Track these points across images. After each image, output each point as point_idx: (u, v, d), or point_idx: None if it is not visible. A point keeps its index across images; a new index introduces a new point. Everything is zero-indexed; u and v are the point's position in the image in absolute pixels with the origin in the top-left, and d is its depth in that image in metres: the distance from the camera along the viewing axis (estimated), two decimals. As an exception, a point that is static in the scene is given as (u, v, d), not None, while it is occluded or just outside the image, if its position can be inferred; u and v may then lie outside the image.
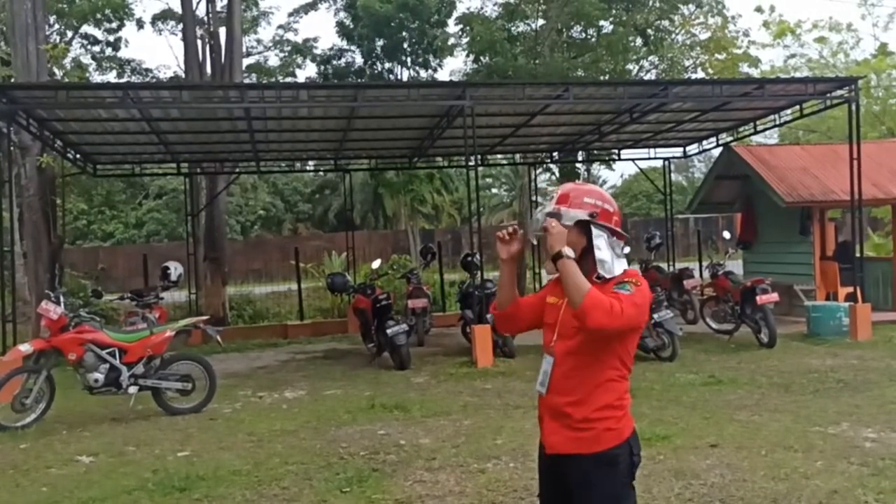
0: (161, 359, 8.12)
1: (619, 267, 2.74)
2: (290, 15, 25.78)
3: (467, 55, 20.20)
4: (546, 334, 2.86)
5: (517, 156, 18.81)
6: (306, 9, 24.44)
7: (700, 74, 20.88)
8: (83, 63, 22.83)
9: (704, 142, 16.23)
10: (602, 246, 2.72)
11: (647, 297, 2.69)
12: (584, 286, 2.55)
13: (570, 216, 2.72)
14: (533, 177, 18.86)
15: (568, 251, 2.60)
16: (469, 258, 12.28)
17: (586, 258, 2.73)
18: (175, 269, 12.74)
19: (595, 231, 2.73)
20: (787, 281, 13.31)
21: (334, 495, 5.20)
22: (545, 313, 2.88)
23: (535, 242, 2.93)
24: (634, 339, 2.75)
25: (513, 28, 19.88)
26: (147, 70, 24.46)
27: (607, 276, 2.71)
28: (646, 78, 19.45)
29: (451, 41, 22.18)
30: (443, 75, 23.93)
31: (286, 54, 25.60)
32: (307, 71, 26.16)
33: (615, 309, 2.52)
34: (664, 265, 15.77)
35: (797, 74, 22.96)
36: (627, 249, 13.26)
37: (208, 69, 17.05)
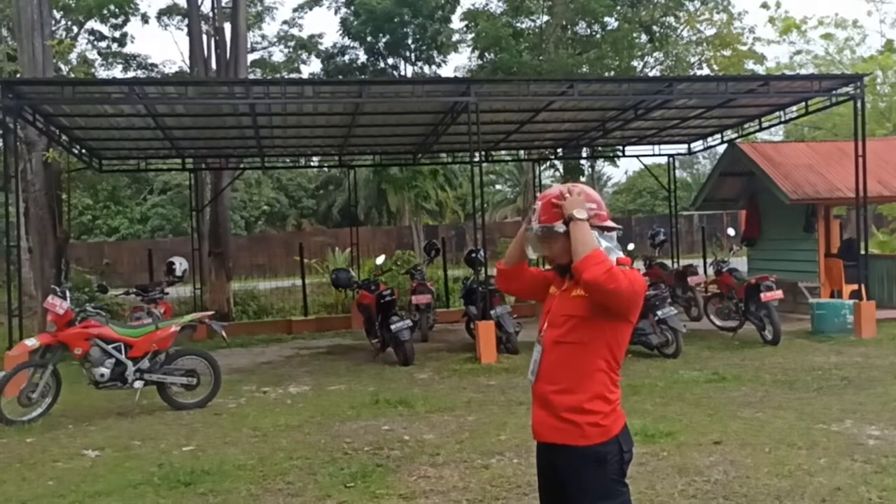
0: (166, 354, 8.15)
1: (614, 255, 2.78)
2: (295, 11, 25.79)
3: (472, 51, 20.22)
4: (540, 323, 2.93)
5: (521, 152, 18.79)
6: (310, 5, 24.43)
7: (705, 71, 20.85)
8: (89, 58, 22.87)
9: (709, 138, 16.19)
10: None
11: (641, 284, 2.71)
12: (592, 244, 2.64)
13: (561, 226, 2.77)
14: (537, 173, 18.85)
15: (579, 213, 2.68)
16: (473, 254, 12.28)
17: None
18: (180, 264, 12.78)
19: None
20: (792, 278, 13.29)
21: (338, 490, 5.22)
22: (545, 302, 2.95)
23: (533, 257, 2.99)
24: (626, 332, 2.77)
25: (518, 24, 19.87)
26: (152, 65, 24.51)
27: None
28: (651, 74, 19.43)
29: (456, 37, 22.17)
30: (447, 71, 23.93)
31: (291, 50, 25.62)
32: (312, 66, 26.22)
33: (614, 270, 2.58)
34: (668, 262, 15.76)
35: (803, 71, 22.91)
36: (631, 246, 13.41)
37: (213, 65, 17.08)
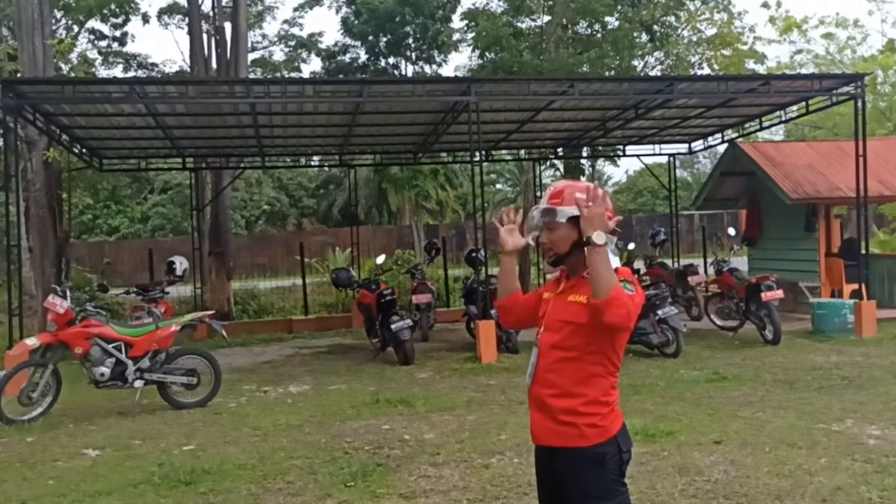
0: (166, 353, 8.15)
1: (612, 262, 2.74)
2: (296, 10, 25.81)
3: (472, 51, 20.18)
4: (537, 326, 2.91)
5: (522, 151, 18.79)
6: (311, 4, 24.44)
7: (706, 70, 20.81)
8: (89, 58, 22.88)
9: (710, 138, 16.19)
10: None
11: (642, 300, 2.71)
12: (613, 280, 2.50)
13: (564, 213, 2.74)
14: (537, 173, 18.84)
15: (598, 238, 2.49)
16: (473, 254, 12.29)
17: (577, 253, 2.75)
18: (180, 263, 12.80)
19: None
20: (792, 278, 13.29)
21: (339, 489, 5.22)
22: (540, 308, 2.92)
23: (532, 242, 2.95)
24: (623, 338, 2.76)
25: (518, 24, 19.84)
26: (153, 65, 24.52)
27: None
28: (651, 74, 19.41)
29: (456, 37, 22.16)
30: (447, 71, 23.89)
31: (291, 49, 25.63)
32: (312, 66, 26.24)
33: (631, 309, 2.53)
34: (669, 261, 15.77)
35: (803, 71, 22.89)
36: (632, 246, 13.39)
37: (214, 64, 17.10)
